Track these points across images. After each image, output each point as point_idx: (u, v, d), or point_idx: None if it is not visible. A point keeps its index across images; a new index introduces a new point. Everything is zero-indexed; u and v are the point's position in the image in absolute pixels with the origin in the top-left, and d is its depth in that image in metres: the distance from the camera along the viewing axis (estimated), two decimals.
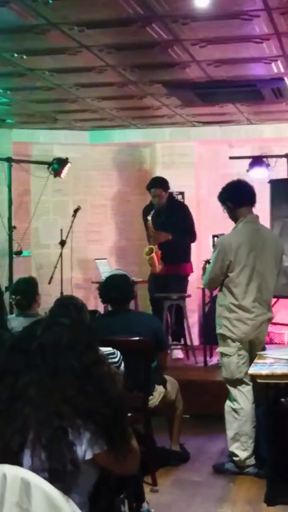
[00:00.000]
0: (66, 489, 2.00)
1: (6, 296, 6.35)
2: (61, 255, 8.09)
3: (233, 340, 4.89)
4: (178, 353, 7.76)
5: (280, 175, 7.94)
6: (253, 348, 4.91)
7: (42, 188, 8.17)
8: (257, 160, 8.00)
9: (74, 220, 8.13)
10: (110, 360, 3.63)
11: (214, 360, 7.04)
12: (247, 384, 4.89)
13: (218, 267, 4.90)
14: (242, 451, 4.86)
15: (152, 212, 7.57)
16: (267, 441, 4.48)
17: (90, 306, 6.73)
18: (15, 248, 7.75)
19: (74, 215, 8.14)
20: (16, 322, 4.53)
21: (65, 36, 4.87)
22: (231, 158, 8.36)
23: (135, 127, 8.70)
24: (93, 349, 2.23)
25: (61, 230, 8.15)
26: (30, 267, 8.89)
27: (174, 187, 8.60)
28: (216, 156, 8.95)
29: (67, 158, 8.09)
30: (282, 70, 5.81)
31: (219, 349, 5.01)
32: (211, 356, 7.18)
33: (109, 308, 5.09)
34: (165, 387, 5.00)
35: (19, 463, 2.02)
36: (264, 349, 4.98)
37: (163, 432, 5.20)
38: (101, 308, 6.97)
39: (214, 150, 9.00)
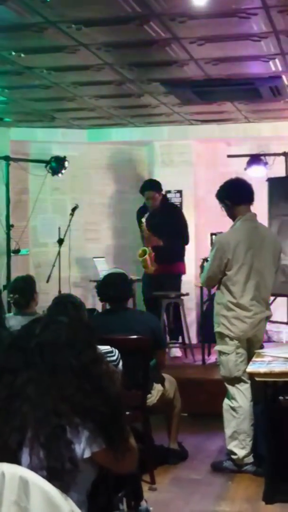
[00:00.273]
0: (64, 488, 1.99)
1: (4, 294, 6.39)
2: (59, 253, 8.08)
3: (231, 338, 4.89)
4: (176, 352, 7.77)
5: (278, 173, 7.94)
6: (251, 346, 4.91)
7: (40, 186, 8.15)
8: (255, 159, 8.02)
9: (72, 219, 8.14)
10: (108, 359, 3.64)
11: (212, 358, 7.05)
12: (245, 382, 4.89)
13: (216, 265, 4.90)
14: (240, 449, 4.86)
15: (146, 215, 7.59)
16: (265, 439, 4.48)
17: (88, 305, 6.74)
18: (13, 246, 7.75)
19: (72, 214, 8.13)
20: (14, 321, 4.55)
21: (63, 34, 4.87)
22: (229, 156, 8.37)
23: (133, 126, 8.68)
24: (92, 347, 2.22)
25: (59, 228, 8.14)
26: (28, 265, 8.88)
27: (172, 186, 8.60)
28: (214, 155, 8.95)
29: (65, 157, 8.08)
30: (280, 68, 5.81)
31: (217, 347, 5.01)
32: (209, 354, 7.17)
33: (107, 307, 5.09)
34: (163, 385, 5.00)
35: (18, 462, 2.02)
36: (262, 347, 4.99)
37: (161, 430, 5.20)
38: (99, 306, 6.97)
39: (212, 148, 8.99)
